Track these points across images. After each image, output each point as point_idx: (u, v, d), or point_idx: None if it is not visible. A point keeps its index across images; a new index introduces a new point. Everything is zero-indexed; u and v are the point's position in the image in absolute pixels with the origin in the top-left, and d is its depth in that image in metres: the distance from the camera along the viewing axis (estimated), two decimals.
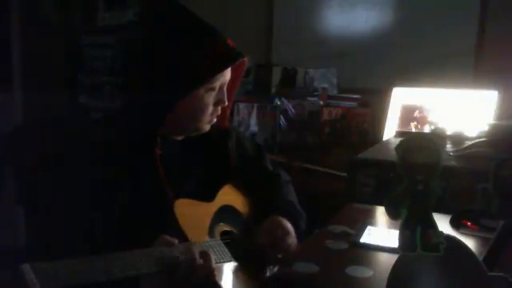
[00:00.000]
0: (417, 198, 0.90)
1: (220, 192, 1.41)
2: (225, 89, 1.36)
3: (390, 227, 1.39)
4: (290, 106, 2.84)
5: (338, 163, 2.35)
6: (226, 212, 1.40)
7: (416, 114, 2.41)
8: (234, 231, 1.40)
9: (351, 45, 2.99)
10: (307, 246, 1.36)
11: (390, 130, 2.38)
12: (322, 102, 2.85)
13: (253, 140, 1.70)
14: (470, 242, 1.22)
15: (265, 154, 1.60)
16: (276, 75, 3.03)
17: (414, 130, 2.38)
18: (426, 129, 2.36)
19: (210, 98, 1.33)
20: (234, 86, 1.43)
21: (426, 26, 2.82)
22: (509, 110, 2.17)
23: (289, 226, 1.39)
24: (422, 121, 2.39)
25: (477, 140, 1.63)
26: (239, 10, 3.20)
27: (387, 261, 1.12)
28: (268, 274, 1.35)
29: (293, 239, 1.38)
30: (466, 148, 1.59)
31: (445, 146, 1.67)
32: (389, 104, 2.47)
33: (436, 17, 2.80)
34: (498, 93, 2.22)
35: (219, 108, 1.37)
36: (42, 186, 1.33)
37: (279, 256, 1.35)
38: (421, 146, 0.91)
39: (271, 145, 2.77)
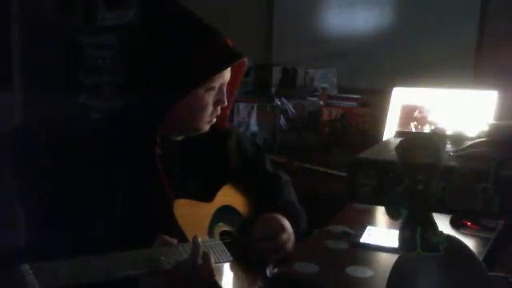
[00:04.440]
0: (417, 198, 0.90)
1: (219, 192, 1.41)
2: (224, 89, 1.36)
3: (389, 227, 1.39)
4: (289, 106, 2.83)
5: (338, 163, 2.35)
6: (225, 212, 1.40)
7: (416, 113, 2.40)
8: (234, 231, 1.40)
9: (351, 45, 2.99)
10: (307, 246, 1.36)
11: (390, 130, 2.37)
12: (321, 102, 2.84)
13: (252, 141, 1.70)
14: (470, 242, 1.23)
15: (264, 154, 1.60)
16: (276, 75, 3.03)
17: (414, 129, 2.38)
18: (426, 129, 2.36)
19: (210, 98, 1.33)
20: (234, 86, 1.43)
21: (426, 26, 2.82)
22: (509, 110, 2.17)
23: (285, 222, 1.39)
24: (421, 121, 2.39)
25: (477, 140, 1.63)
26: (239, 10, 3.19)
27: (387, 261, 1.12)
28: (268, 274, 1.35)
29: (289, 235, 1.37)
30: (466, 148, 1.58)
31: (445, 146, 1.66)
32: (389, 104, 2.46)
33: (436, 17, 2.79)
34: (498, 93, 2.21)
35: (219, 108, 1.37)
36: (42, 186, 1.33)
37: (276, 253, 1.35)
38: (421, 146, 0.91)
39: (271, 145, 2.76)
